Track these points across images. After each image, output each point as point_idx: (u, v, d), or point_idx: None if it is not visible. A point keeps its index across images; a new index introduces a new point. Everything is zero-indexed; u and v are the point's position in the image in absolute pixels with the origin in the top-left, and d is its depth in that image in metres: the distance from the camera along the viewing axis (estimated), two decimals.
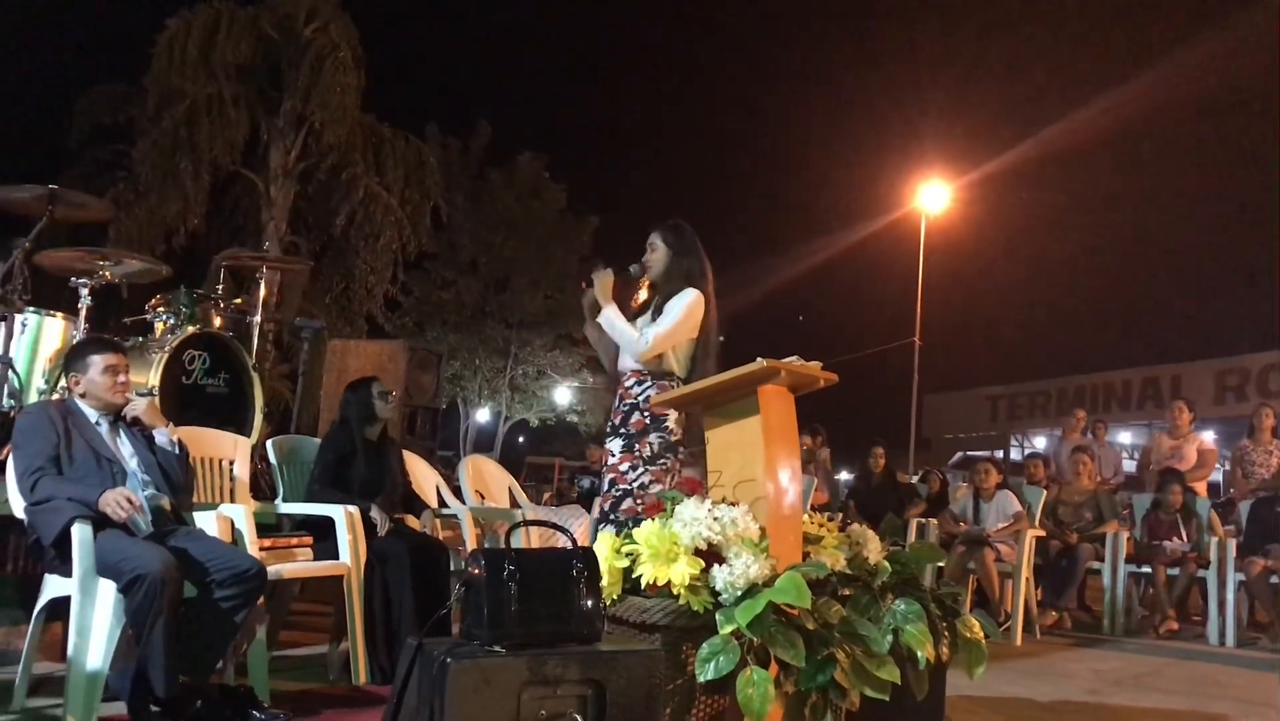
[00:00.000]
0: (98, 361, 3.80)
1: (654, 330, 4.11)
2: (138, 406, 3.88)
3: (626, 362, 4.26)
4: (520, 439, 32.31)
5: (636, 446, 4.13)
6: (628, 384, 4.23)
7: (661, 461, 4.13)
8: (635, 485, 4.09)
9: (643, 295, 4.34)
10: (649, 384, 4.18)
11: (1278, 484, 7.64)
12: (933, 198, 22.08)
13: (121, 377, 3.82)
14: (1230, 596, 7.11)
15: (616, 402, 4.27)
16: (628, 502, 4.08)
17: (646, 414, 4.14)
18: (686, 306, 4.14)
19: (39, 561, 3.68)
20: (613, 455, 4.20)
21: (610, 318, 4.20)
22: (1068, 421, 10.67)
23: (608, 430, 4.30)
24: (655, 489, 4.02)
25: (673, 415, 4.13)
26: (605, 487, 4.22)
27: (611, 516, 4.10)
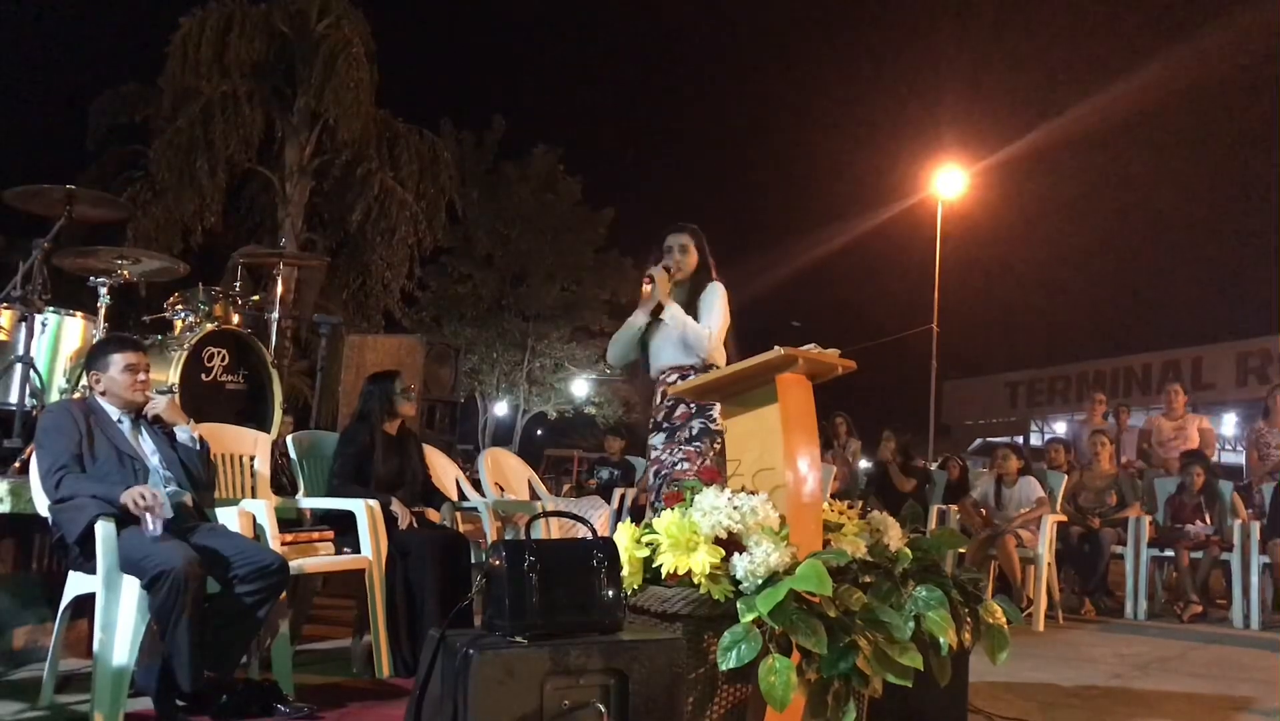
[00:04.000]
0: (118, 360, 3.83)
1: (713, 324, 4.31)
2: (158, 404, 3.90)
3: (666, 360, 4.38)
4: (539, 431, 32.35)
5: (679, 434, 4.26)
6: (671, 380, 4.30)
7: (697, 444, 4.22)
8: (674, 468, 4.21)
9: (646, 289, 4.39)
10: (691, 376, 4.22)
11: None
12: (949, 183, 21.97)
13: (141, 376, 3.84)
14: (1254, 579, 7.07)
15: (658, 400, 4.38)
16: (667, 489, 4.14)
17: (692, 405, 4.25)
18: (723, 298, 4.40)
19: (63, 559, 3.70)
20: (655, 449, 4.34)
21: (676, 314, 4.32)
22: (1088, 405, 10.65)
23: (650, 429, 4.41)
24: (683, 467, 4.16)
25: (717, 406, 4.15)
26: (651, 482, 4.36)
27: (656, 505, 4.11)
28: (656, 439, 4.34)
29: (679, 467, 4.20)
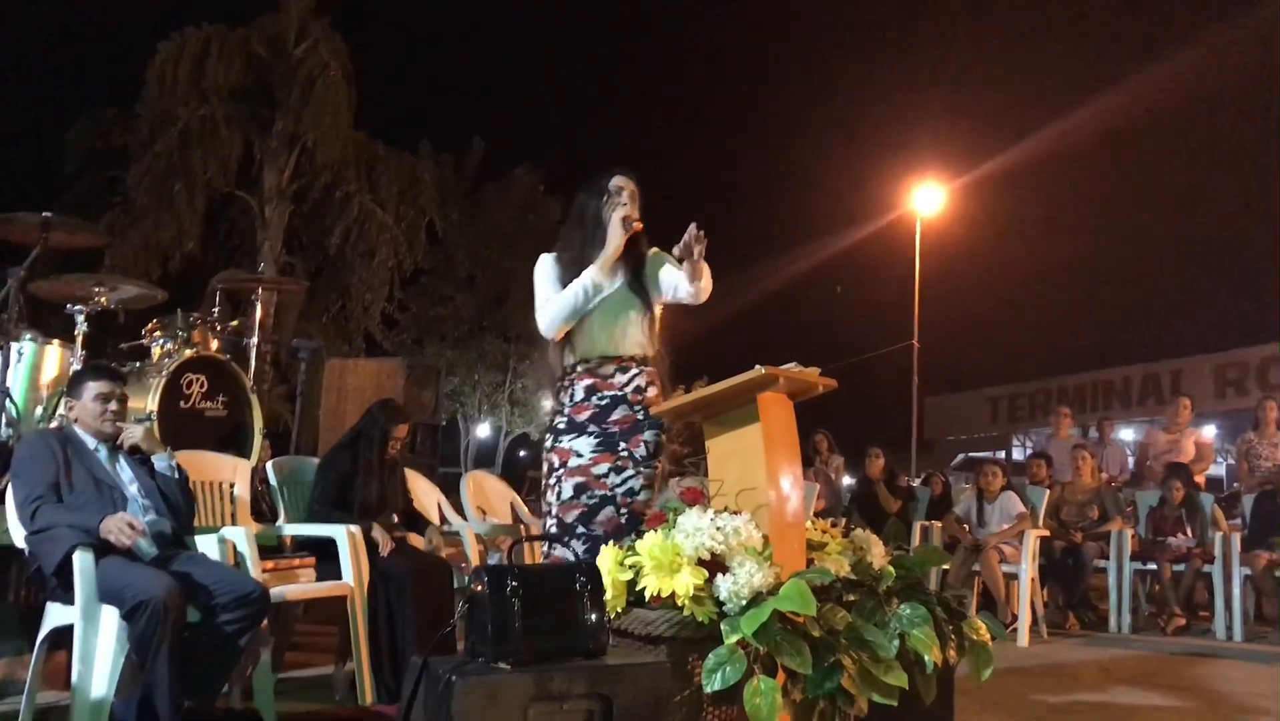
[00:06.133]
0: (91, 388, 3.80)
1: (702, 282, 3.66)
2: (135, 434, 3.86)
3: (602, 345, 3.71)
4: (521, 452, 32.25)
5: (623, 445, 3.65)
6: (605, 372, 3.71)
7: (654, 463, 3.70)
8: (620, 490, 3.62)
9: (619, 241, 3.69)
10: (635, 371, 3.75)
11: None
12: (927, 200, 22.07)
13: (113, 406, 3.81)
14: (1236, 591, 7.09)
15: (583, 395, 3.69)
16: (608, 512, 3.61)
17: (638, 408, 3.69)
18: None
19: (41, 590, 3.67)
20: (577, 455, 3.64)
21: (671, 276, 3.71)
22: (1054, 420, 10.69)
23: (560, 426, 3.71)
24: (645, 496, 3.64)
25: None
26: (566, 495, 3.63)
27: (582, 530, 3.59)
28: (579, 442, 3.65)
29: (640, 497, 3.64)
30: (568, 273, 3.70)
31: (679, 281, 3.71)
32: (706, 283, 3.66)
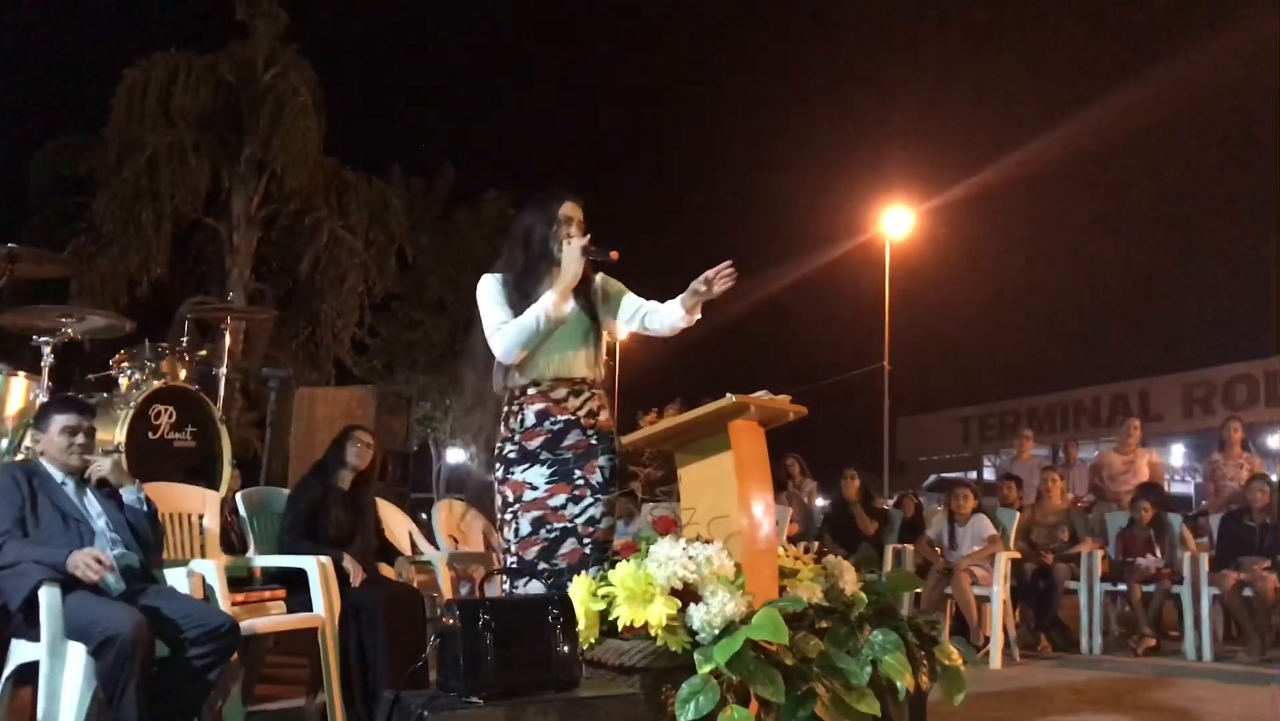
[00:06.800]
0: (58, 421, 3.77)
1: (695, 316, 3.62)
2: (103, 467, 3.82)
3: (554, 367, 3.62)
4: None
5: (578, 473, 3.55)
6: (558, 396, 3.61)
7: (612, 489, 3.62)
8: (580, 520, 3.52)
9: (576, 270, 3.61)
10: (588, 394, 3.67)
11: (1247, 497, 7.69)
12: (896, 223, 22.22)
13: (80, 439, 3.77)
14: (1205, 611, 7.14)
15: (534, 421, 3.58)
16: (570, 544, 3.51)
17: (591, 433, 3.60)
18: None
19: (5, 627, 3.61)
20: (532, 488, 3.55)
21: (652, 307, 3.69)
22: (1017, 441, 10.79)
23: (510, 455, 3.60)
24: (606, 523, 3.56)
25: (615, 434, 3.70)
26: (524, 531, 3.53)
27: (544, 566, 3.50)
28: (532, 473, 3.55)
29: (601, 525, 3.55)
30: (514, 295, 3.62)
31: (653, 311, 3.68)
32: (696, 317, 3.63)
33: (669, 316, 3.64)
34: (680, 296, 3.59)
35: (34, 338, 5.55)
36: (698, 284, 3.49)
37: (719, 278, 3.47)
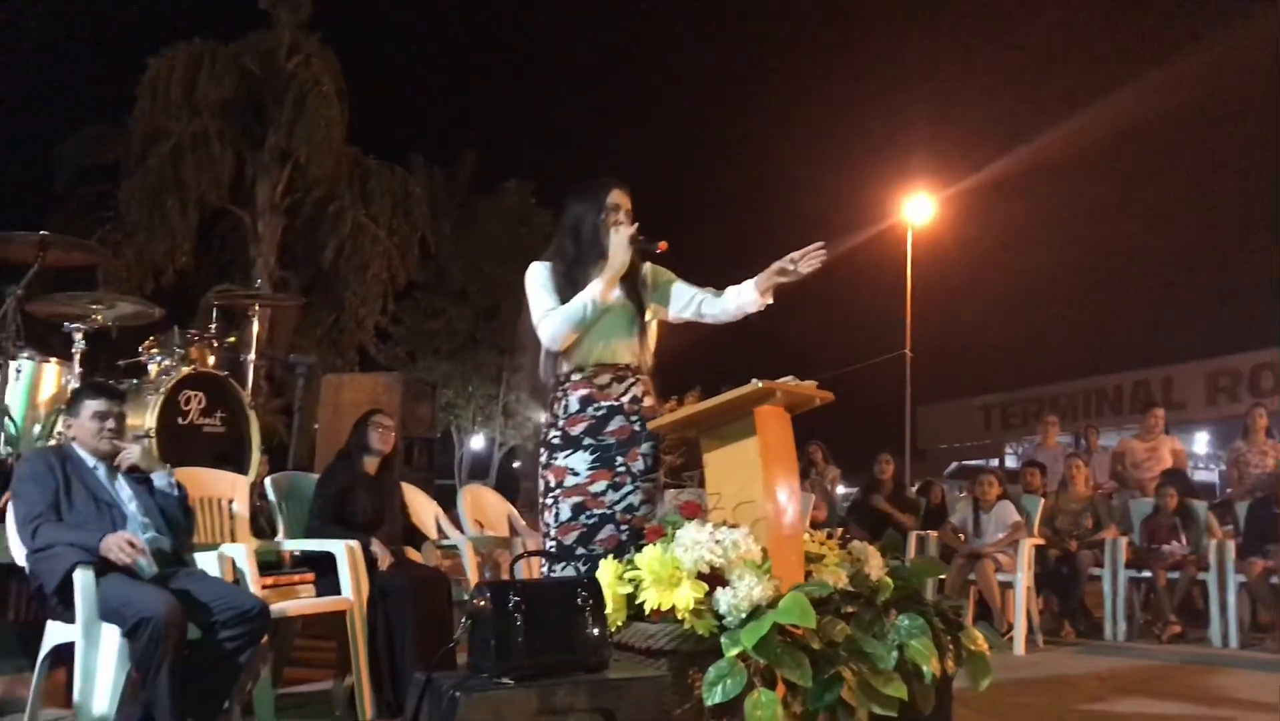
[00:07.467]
0: (90, 406, 3.81)
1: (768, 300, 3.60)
2: (132, 454, 3.86)
3: (598, 353, 3.61)
4: (515, 464, 32.26)
5: (620, 460, 3.54)
6: (602, 381, 3.61)
7: (653, 477, 3.60)
8: (619, 507, 3.52)
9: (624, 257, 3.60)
10: (632, 380, 3.66)
11: (1274, 484, 7.65)
12: (918, 209, 22.13)
13: (110, 425, 3.81)
14: (1231, 598, 7.11)
15: (577, 407, 3.58)
16: (608, 530, 3.49)
17: (635, 419, 3.59)
18: None
19: (41, 608, 3.67)
20: (574, 474, 3.53)
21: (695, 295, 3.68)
22: (1041, 428, 10.76)
23: (554, 441, 3.59)
24: (645, 511, 3.54)
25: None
26: (564, 516, 3.52)
27: (582, 551, 3.49)
28: (575, 459, 3.53)
29: (639, 512, 3.53)
30: (563, 284, 3.63)
31: (711, 297, 3.66)
32: (769, 301, 3.59)
33: (737, 299, 3.60)
34: (755, 278, 3.54)
35: (65, 324, 5.62)
36: (784, 263, 3.45)
37: (806, 258, 3.42)
